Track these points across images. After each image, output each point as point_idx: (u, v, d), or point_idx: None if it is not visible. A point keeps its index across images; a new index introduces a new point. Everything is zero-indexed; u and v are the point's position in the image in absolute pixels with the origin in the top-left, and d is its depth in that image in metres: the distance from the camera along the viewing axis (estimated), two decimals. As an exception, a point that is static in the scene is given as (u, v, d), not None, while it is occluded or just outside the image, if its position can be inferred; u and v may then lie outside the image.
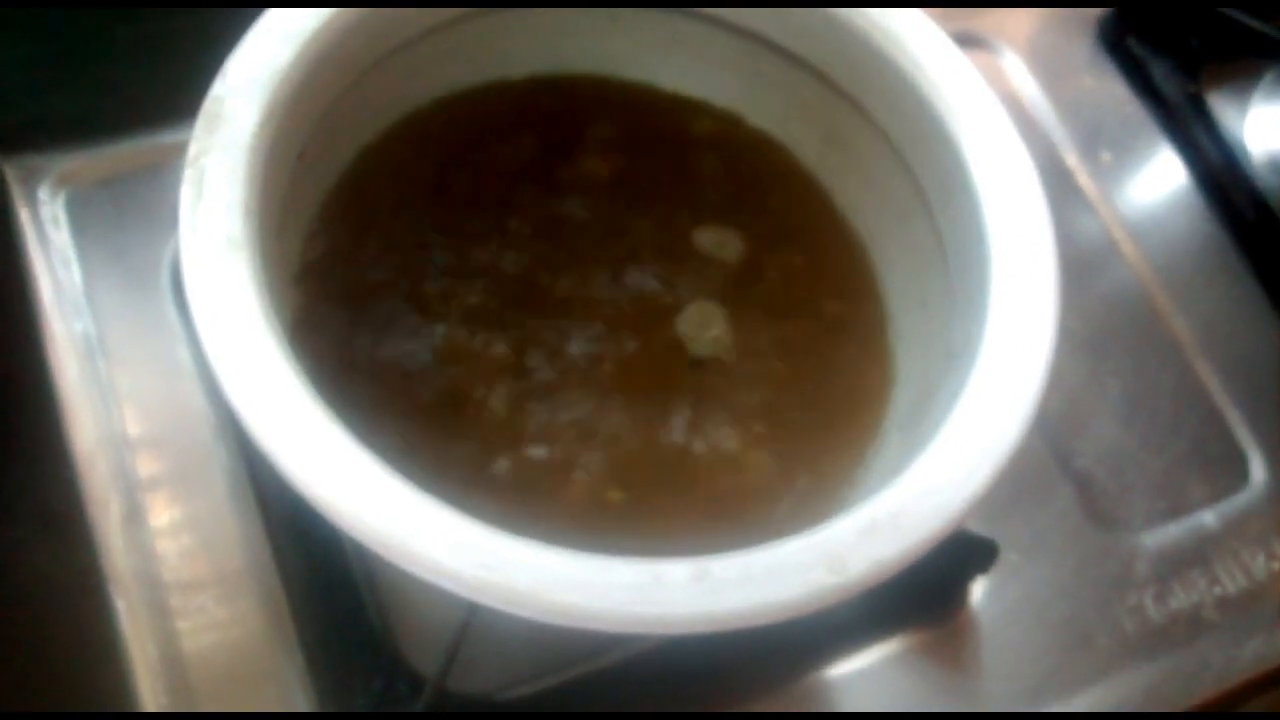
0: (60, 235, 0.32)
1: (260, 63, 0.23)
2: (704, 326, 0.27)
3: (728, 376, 0.27)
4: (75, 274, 0.32)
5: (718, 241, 0.29)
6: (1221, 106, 0.42)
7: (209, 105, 0.23)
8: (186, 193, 0.22)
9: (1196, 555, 0.35)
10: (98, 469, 0.30)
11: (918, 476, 0.21)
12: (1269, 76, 0.42)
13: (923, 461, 0.22)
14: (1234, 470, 0.36)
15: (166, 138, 0.34)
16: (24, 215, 0.33)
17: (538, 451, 0.24)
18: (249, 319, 0.20)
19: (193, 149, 0.22)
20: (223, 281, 0.21)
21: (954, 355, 0.25)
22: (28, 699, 0.28)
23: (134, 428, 0.30)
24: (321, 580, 0.29)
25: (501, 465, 0.24)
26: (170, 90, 0.29)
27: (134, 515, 0.29)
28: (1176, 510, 0.35)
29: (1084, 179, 0.41)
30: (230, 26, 0.24)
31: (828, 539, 0.20)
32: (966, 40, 0.42)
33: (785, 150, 0.30)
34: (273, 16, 0.24)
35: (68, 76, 0.34)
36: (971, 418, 0.22)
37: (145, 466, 0.30)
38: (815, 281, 0.29)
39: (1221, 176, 0.41)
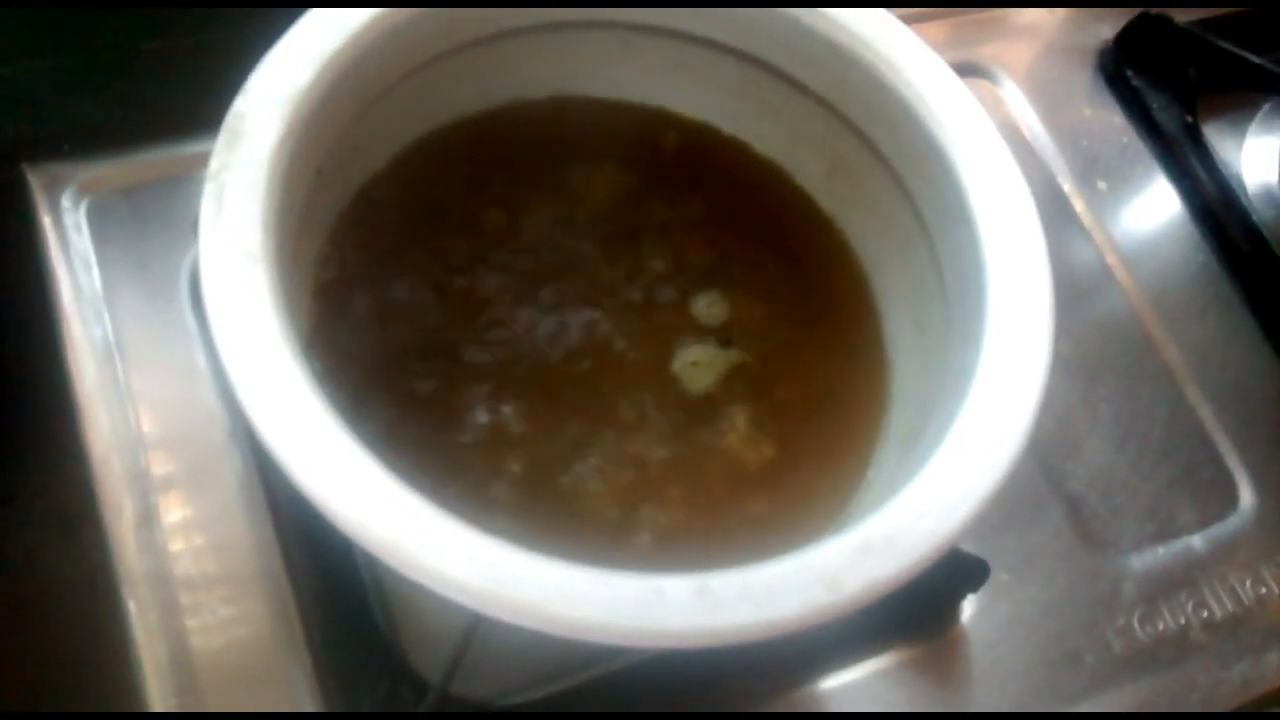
0: (81, 241, 0.33)
1: (282, 81, 0.24)
2: (706, 349, 0.28)
3: (728, 397, 0.27)
4: (95, 279, 0.32)
5: (721, 264, 0.29)
6: (1218, 138, 0.42)
7: (231, 121, 0.23)
8: (207, 207, 0.22)
9: (1184, 578, 0.35)
10: (113, 469, 0.30)
11: (912, 499, 0.22)
12: (1265, 109, 0.43)
13: (917, 484, 0.22)
14: (1223, 496, 0.37)
15: (187, 148, 0.34)
16: (46, 222, 0.33)
17: (546, 474, 0.25)
18: (266, 332, 0.21)
19: (214, 164, 0.22)
20: (241, 295, 0.21)
21: (950, 380, 0.25)
22: (37, 693, 0.28)
23: (149, 429, 0.31)
24: (329, 582, 0.30)
25: (506, 480, 0.25)
26: (192, 102, 0.29)
27: (147, 514, 0.30)
28: (1165, 534, 0.36)
29: (1080, 207, 0.41)
30: (252, 41, 0.24)
31: (824, 558, 0.21)
32: (968, 70, 0.43)
33: (790, 177, 0.31)
34: (294, 37, 0.24)
35: (92, 87, 0.35)
36: (966, 443, 0.23)
37: (159, 467, 0.30)
38: (816, 306, 0.29)
39: (1216, 207, 0.41)
